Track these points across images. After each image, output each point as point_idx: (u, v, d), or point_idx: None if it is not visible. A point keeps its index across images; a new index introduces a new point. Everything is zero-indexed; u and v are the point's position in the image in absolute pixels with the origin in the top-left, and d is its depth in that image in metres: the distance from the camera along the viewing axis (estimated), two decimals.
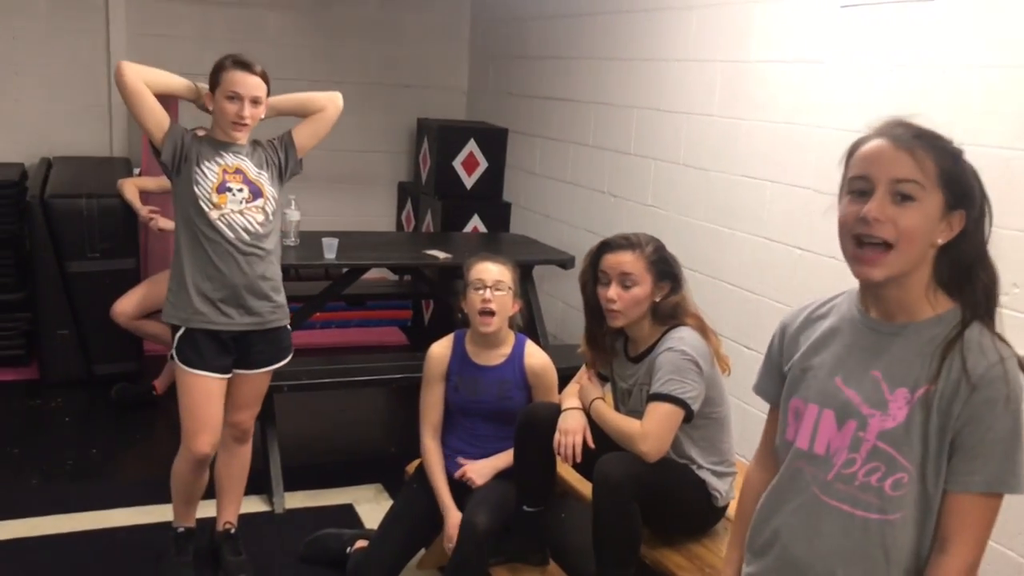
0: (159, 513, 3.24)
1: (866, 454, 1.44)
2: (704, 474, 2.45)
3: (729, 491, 2.51)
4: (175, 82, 2.78)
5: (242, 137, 2.77)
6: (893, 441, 1.42)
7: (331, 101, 2.97)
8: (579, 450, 2.47)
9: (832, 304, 1.57)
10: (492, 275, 2.80)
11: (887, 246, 1.38)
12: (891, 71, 2.84)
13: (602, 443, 2.45)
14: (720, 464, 2.50)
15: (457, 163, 5.33)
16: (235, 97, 2.69)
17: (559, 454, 2.51)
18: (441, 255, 4.20)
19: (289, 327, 2.94)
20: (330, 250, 3.93)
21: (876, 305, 1.48)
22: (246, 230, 2.73)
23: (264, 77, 2.74)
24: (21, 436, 4.02)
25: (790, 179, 3.24)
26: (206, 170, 2.72)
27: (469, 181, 5.36)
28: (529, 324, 4.45)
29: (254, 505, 3.47)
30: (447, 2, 5.90)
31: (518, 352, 2.89)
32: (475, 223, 5.33)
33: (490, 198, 5.40)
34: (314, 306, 4.56)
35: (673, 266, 2.50)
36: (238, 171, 2.75)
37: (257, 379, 2.90)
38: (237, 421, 2.94)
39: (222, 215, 2.71)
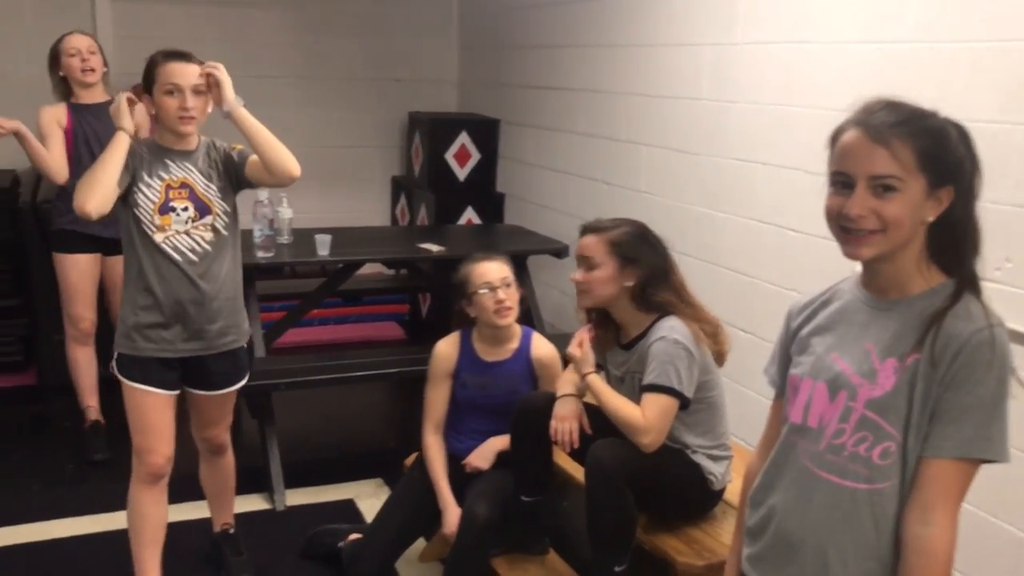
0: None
1: (855, 423, 1.44)
2: (699, 458, 2.45)
3: (725, 474, 2.51)
4: (114, 163, 2.45)
5: (190, 130, 2.55)
6: (880, 409, 1.42)
7: (292, 172, 2.61)
8: (575, 436, 2.47)
9: (836, 289, 1.58)
10: (497, 273, 2.79)
11: (874, 231, 1.40)
12: (878, 48, 2.83)
13: (598, 430, 2.45)
14: (715, 448, 2.49)
15: (449, 155, 5.32)
16: (174, 89, 2.48)
17: (555, 441, 2.51)
18: (435, 248, 4.20)
19: (246, 347, 2.78)
20: (323, 246, 3.93)
21: (872, 282, 1.49)
22: (193, 251, 2.56)
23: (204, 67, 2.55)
24: (21, 442, 4.03)
25: (780, 161, 3.23)
26: (147, 188, 2.52)
27: (462, 173, 5.35)
28: (526, 314, 4.44)
29: (255, 503, 3.48)
30: None
31: (525, 345, 2.90)
32: (469, 215, 5.32)
33: (483, 189, 5.39)
34: (310, 303, 4.56)
35: (643, 252, 2.47)
36: (184, 185, 2.55)
37: (219, 399, 2.76)
38: (208, 437, 2.85)
39: (167, 238, 2.53)
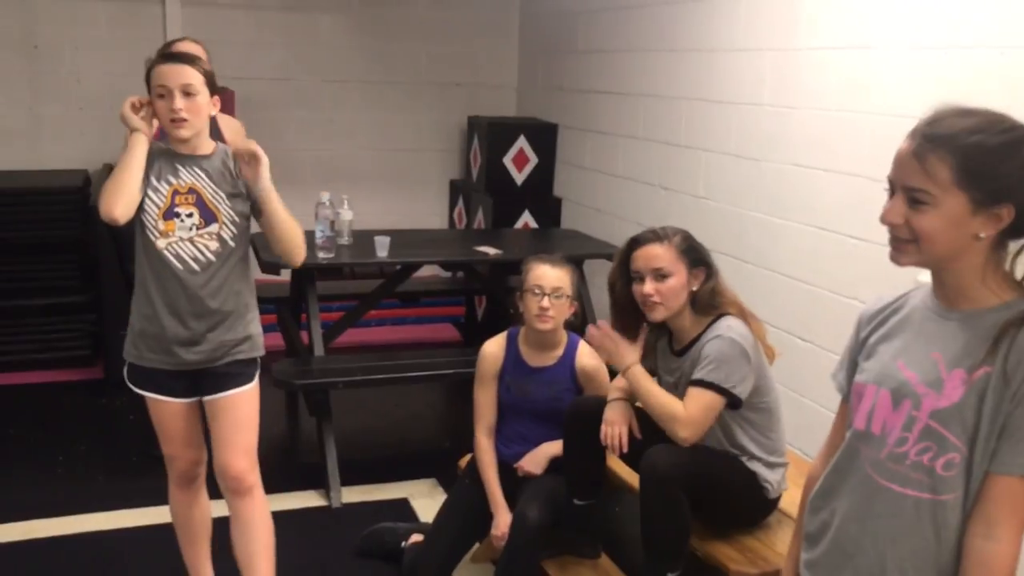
0: (222, 508, 3.32)
1: (918, 433, 1.43)
2: (755, 465, 2.43)
3: (781, 483, 2.48)
4: (136, 165, 2.38)
5: (183, 135, 2.39)
6: (944, 420, 1.40)
7: (296, 260, 2.57)
8: (624, 440, 2.46)
9: (907, 296, 1.57)
10: (551, 281, 2.78)
11: (908, 241, 1.41)
12: (944, 53, 2.78)
13: (651, 434, 2.44)
14: (771, 455, 2.46)
15: (507, 159, 5.34)
16: (164, 92, 2.35)
17: (606, 445, 2.50)
18: (492, 251, 4.22)
19: (258, 360, 2.60)
20: (382, 248, 3.97)
21: (939, 291, 1.47)
22: (196, 260, 2.43)
23: (202, 66, 2.42)
24: (87, 434, 4.15)
25: (843, 167, 3.19)
26: (153, 193, 2.41)
27: (519, 177, 5.37)
28: (580, 319, 4.44)
29: (311, 500, 3.54)
30: None
31: (570, 353, 2.89)
32: (526, 219, 5.34)
33: (541, 194, 5.40)
34: (368, 304, 4.62)
35: (703, 253, 2.48)
36: (192, 191, 2.42)
37: (226, 406, 2.52)
38: (222, 466, 2.54)
39: (169, 244, 2.41)
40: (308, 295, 3.94)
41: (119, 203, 2.34)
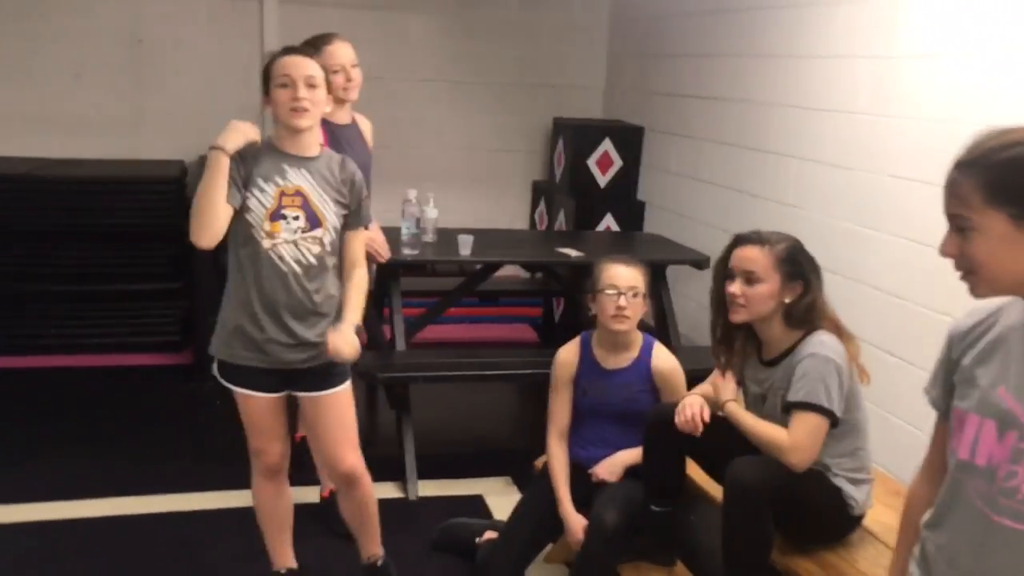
0: (301, 494, 3.40)
1: None
2: (840, 481, 2.38)
3: (866, 500, 2.43)
4: (218, 189, 2.36)
5: (303, 124, 2.42)
6: None
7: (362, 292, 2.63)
8: (698, 420, 2.44)
9: (999, 311, 1.50)
10: (626, 280, 2.77)
11: (968, 272, 1.38)
12: None
13: (738, 443, 2.41)
14: (857, 471, 2.41)
15: (591, 162, 5.33)
16: (287, 82, 2.39)
17: (680, 428, 2.47)
18: (573, 253, 4.22)
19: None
20: (465, 247, 4.01)
21: None
22: (298, 262, 2.46)
23: (320, 63, 2.48)
24: (175, 417, 4.29)
25: (941, 179, 3.09)
26: (260, 193, 2.42)
27: (603, 180, 5.36)
28: (661, 324, 4.41)
29: (389, 491, 3.59)
30: (586, 1, 5.91)
31: (645, 355, 2.87)
32: (608, 222, 5.32)
33: (624, 197, 5.38)
34: (449, 301, 4.66)
35: (805, 268, 2.41)
36: (298, 193, 2.45)
37: (326, 403, 2.60)
38: (332, 462, 2.67)
39: (274, 245, 2.44)
40: (392, 291, 4.00)
41: (205, 235, 2.37)
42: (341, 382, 2.62)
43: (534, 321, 5.84)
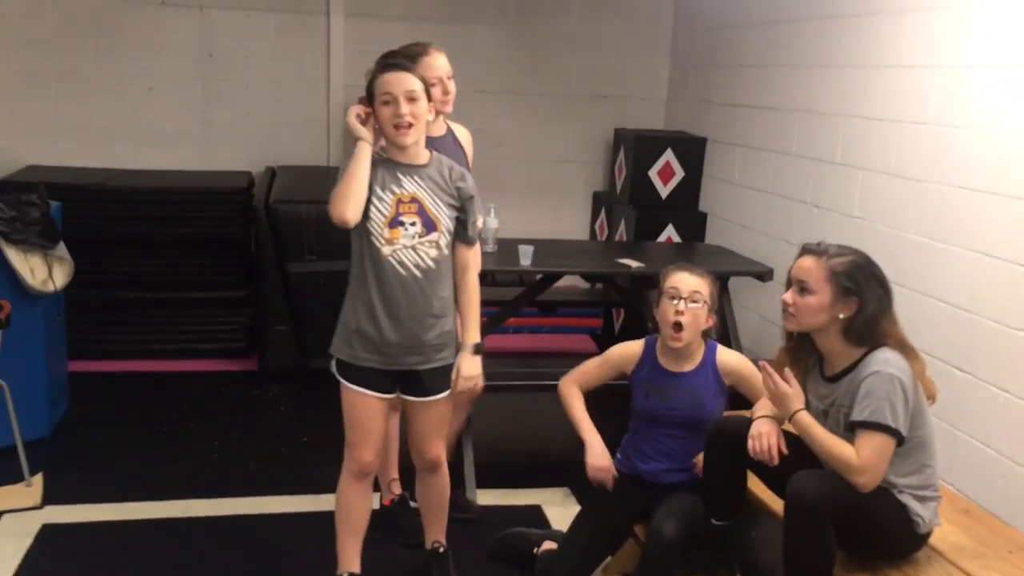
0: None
1: None
2: (905, 498, 2.33)
3: (933, 518, 2.37)
4: (363, 171, 2.51)
5: (407, 140, 2.54)
6: None
7: (476, 301, 2.77)
8: (775, 452, 2.41)
9: None
10: (688, 286, 2.74)
11: None
12: None
13: (797, 459, 2.39)
14: (923, 489, 2.36)
15: (653, 172, 5.32)
16: (389, 100, 2.51)
17: (754, 455, 2.43)
18: (634, 264, 4.20)
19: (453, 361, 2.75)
20: (525, 257, 4.02)
21: None
22: (418, 266, 2.58)
23: (419, 75, 2.57)
24: (241, 422, 4.38)
25: (1012, 190, 3.02)
26: (378, 201, 2.55)
27: (664, 191, 5.34)
28: (723, 337, 4.36)
29: None
30: (649, 12, 5.90)
31: (710, 359, 2.83)
32: (669, 233, 5.30)
33: (686, 208, 5.35)
34: (508, 311, 4.68)
35: (862, 285, 2.33)
36: (414, 200, 2.57)
37: (430, 406, 2.75)
38: (423, 451, 2.83)
39: (394, 251, 2.56)
40: None
41: (350, 206, 2.49)
42: (446, 388, 2.74)
43: (593, 332, 5.83)
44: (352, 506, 2.81)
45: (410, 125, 2.52)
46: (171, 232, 4.93)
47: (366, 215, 2.54)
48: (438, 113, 3.17)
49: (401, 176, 2.58)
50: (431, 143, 3.07)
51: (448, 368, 2.72)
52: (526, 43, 5.77)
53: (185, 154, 5.46)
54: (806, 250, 2.44)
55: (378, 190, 2.55)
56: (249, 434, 4.23)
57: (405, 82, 2.52)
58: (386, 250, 2.56)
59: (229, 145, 5.53)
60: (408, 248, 2.57)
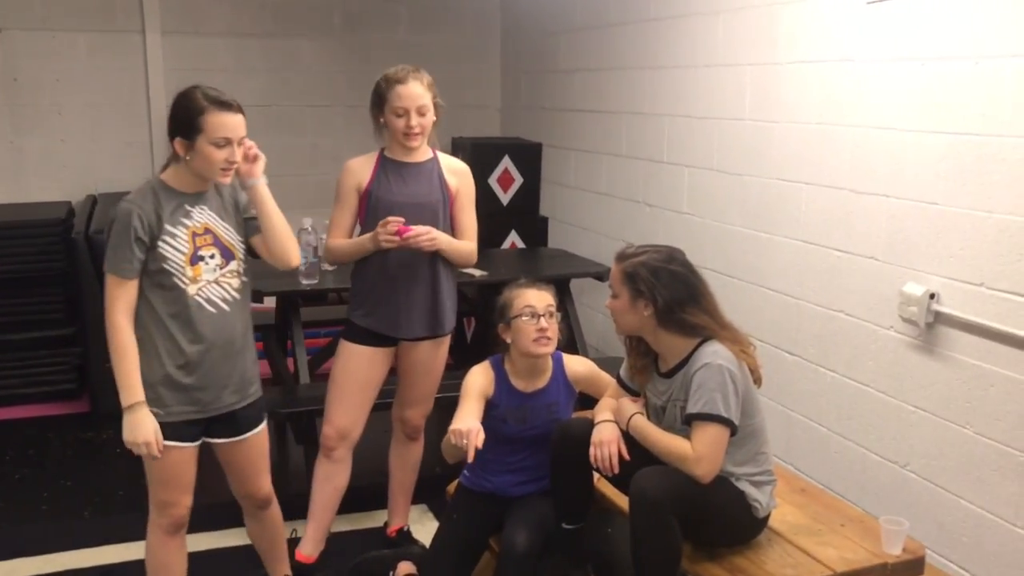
0: (208, 541, 3.29)
1: None
2: (743, 485, 2.40)
3: (770, 501, 2.45)
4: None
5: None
6: None
7: (292, 260, 2.59)
8: (615, 461, 2.44)
9: None
10: (543, 301, 2.73)
11: None
12: (922, 66, 2.78)
13: (638, 456, 2.42)
14: (759, 474, 2.44)
15: (493, 180, 5.33)
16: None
17: (596, 467, 2.48)
18: (479, 272, 4.20)
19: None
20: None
21: None
22: (224, 300, 2.46)
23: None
24: (73, 468, 4.11)
25: (826, 180, 3.18)
26: (172, 239, 2.37)
27: (505, 197, 5.36)
28: (569, 339, 4.41)
29: (299, 529, 3.49)
30: (476, 21, 5.93)
31: (558, 369, 2.84)
32: (513, 239, 5.32)
33: (527, 213, 5.39)
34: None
35: (650, 282, 2.37)
36: (207, 231, 2.43)
37: (250, 444, 2.63)
38: (252, 491, 2.70)
39: (199, 289, 2.41)
40: (292, 322, 3.91)
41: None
42: (261, 421, 2.65)
43: None
44: (170, 563, 2.63)
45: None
46: None
47: (163, 257, 2.36)
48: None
49: (188, 207, 2.42)
50: (413, 167, 3.10)
51: (259, 401, 2.64)
52: (354, 56, 5.68)
53: None
54: (615, 256, 2.51)
55: (168, 226, 2.37)
56: (82, 482, 3.97)
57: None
58: (192, 289, 2.40)
59: (43, 175, 5.20)
60: (212, 283, 2.44)
